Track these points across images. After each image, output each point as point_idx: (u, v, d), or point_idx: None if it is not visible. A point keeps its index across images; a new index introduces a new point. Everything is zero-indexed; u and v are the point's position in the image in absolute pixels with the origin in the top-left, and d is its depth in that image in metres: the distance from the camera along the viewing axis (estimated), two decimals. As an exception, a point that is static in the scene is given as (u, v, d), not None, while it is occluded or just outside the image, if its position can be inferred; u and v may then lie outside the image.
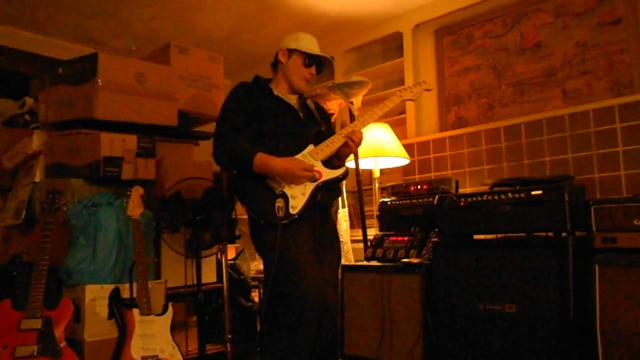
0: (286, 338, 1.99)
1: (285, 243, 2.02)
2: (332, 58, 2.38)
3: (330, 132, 2.31)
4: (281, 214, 2.03)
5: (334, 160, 2.24)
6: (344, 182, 3.33)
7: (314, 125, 2.28)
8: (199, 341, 2.77)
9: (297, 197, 2.07)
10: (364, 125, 2.21)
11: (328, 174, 2.13)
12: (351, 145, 2.16)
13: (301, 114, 2.29)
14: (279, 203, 2.05)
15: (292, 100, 2.31)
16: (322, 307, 2.04)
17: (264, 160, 2.06)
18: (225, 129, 2.17)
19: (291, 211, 2.04)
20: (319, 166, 2.12)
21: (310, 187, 2.09)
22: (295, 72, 2.27)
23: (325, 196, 2.17)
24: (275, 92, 2.26)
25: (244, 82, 2.30)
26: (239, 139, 2.13)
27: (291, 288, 1.99)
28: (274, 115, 2.21)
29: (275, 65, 2.33)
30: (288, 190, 2.08)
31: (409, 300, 2.54)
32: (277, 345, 2.01)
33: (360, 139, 2.17)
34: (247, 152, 2.08)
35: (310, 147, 2.17)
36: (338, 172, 2.15)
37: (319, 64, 2.32)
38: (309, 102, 2.39)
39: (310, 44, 2.29)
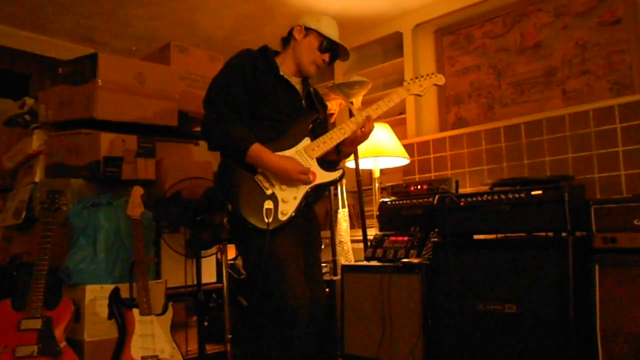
0: (278, 350, 1.87)
1: (272, 248, 1.86)
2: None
3: (326, 122, 2.18)
4: (269, 219, 1.86)
5: (333, 155, 2.10)
6: (344, 181, 3.34)
7: (313, 113, 2.10)
8: (199, 341, 2.77)
9: (289, 201, 1.92)
10: (377, 114, 2.05)
11: (322, 177, 1.98)
12: (358, 136, 2.00)
13: (304, 102, 2.13)
14: (268, 205, 1.88)
15: (297, 84, 2.13)
16: (310, 316, 1.90)
17: (259, 153, 1.89)
18: (220, 102, 1.96)
19: (280, 217, 1.88)
20: (313, 166, 1.97)
21: (302, 190, 1.95)
22: (308, 53, 2.08)
23: (314, 195, 2.04)
24: (281, 72, 2.08)
25: (250, 51, 2.09)
26: (235, 120, 1.94)
27: (277, 301, 1.83)
28: (275, 98, 2.03)
29: (287, 40, 2.14)
30: (279, 193, 1.92)
31: (409, 300, 2.54)
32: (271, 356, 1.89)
33: (371, 129, 2.02)
34: (242, 140, 1.90)
35: (307, 140, 2.00)
36: (333, 175, 2.01)
37: (334, 53, 2.12)
38: (312, 89, 2.22)
39: (331, 29, 2.10)
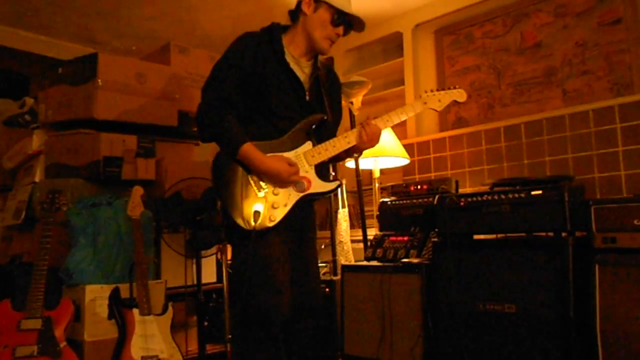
0: (256, 351, 1.83)
1: (258, 250, 1.80)
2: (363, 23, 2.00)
3: (336, 122, 2.09)
4: (257, 222, 1.79)
5: (340, 154, 1.99)
6: (344, 181, 3.35)
7: (319, 112, 1.97)
8: (199, 341, 2.78)
9: (279, 207, 1.84)
10: (386, 127, 1.98)
11: (317, 187, 1.90)
12: (362, 137, 1.91)
13: (308, 95, 1.98)
14: (257, 207, 1.81)
15: (305, 68, 1.99)
16: (306, 315, 1.91)
17: (250, 154, 1.81)
18: (215, 95, 1.87)
19: (268, 223, 1.82)
20: (310, 172, 1.89)
21: (294, 197, 1.87)
22: (320, 28, 1.91)
23: (307, 203, 1.96)
24: (287, 57, 1.94)
25: (253, 34, 1.97)
26: (227, 116, 1.84)
27: (256, 303, 1.80)
28: (277, 89, 1.90)
29: (296, 15, 1.98)
30: (270, 197, 1.84)
31: (409, 300, 2.54)
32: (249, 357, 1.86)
33: (374, 133, 1.92)
34: (234, 139, 1.82)
35: (308, 145, 1.91)
36: (329, 186, 1.92)
37: (348, 24, 1.95)
38: (321, 73, 2.03)
39: None
